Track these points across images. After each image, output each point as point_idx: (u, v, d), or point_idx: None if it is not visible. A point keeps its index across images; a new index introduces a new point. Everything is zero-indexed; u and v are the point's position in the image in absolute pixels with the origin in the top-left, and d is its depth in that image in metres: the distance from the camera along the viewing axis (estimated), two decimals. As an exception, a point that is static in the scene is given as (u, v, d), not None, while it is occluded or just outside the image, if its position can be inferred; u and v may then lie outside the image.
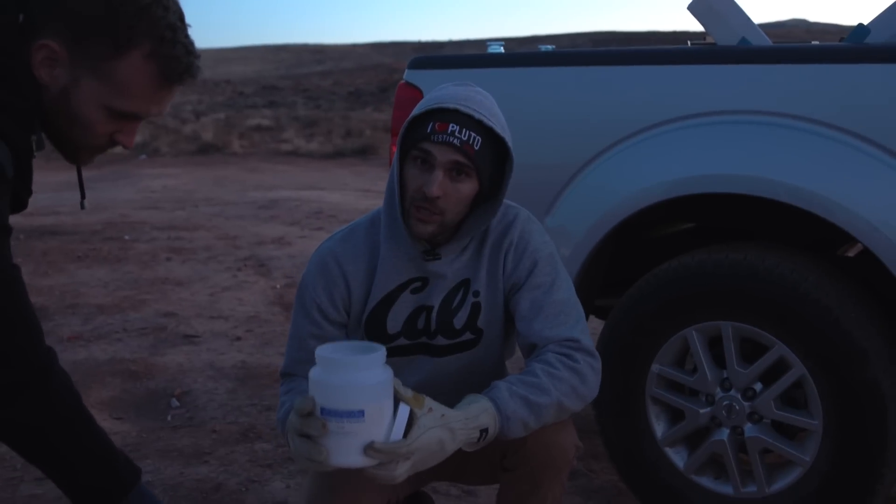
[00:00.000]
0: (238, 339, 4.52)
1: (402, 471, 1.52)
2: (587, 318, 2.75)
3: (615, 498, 2.72)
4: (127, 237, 7.50)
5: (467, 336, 1.88)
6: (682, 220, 2.95)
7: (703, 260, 2.36)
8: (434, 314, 1.86)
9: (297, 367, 1.87)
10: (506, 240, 1.86)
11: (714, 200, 2.42)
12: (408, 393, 1.57)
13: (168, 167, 14.94)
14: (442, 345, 1.88)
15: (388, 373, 1.51)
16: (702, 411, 2.39)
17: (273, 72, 63.68)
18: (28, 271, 6.08)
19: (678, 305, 2.38)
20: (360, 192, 11.16)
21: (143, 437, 3.26)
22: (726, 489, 2.40)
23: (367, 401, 1.47)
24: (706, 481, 2.43)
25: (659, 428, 2.49)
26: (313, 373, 1.49)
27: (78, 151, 1.37)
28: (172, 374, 3.97)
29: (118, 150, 8.41)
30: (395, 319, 1.87)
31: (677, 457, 2.47)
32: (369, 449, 1.48)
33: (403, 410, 1.52)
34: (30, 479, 2.89)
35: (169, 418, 3.48)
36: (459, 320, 1.86)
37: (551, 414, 1.71)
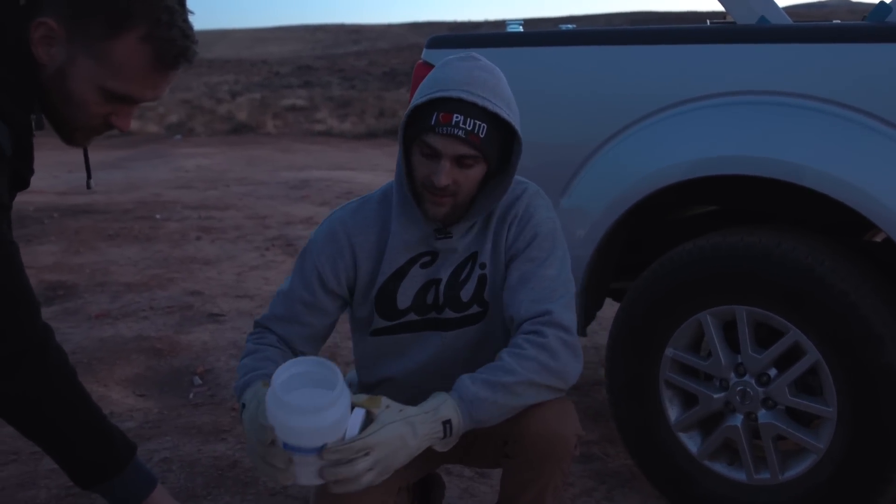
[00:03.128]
0: (262, 318, 4.54)
1: (363, 467, 1.51)
2: (602, 302, 2.76)
3: (629, 482, 2.70)
4: (158, 216, 7.57)
5: (475, 309, 1.88)
6: (702, 203, 2.91)
7: (717, 243, 2.33)
8: (442, 287, 1.86)
9: (275, 325, 1.88)
10: (511, 212, 1.86)
11: (736, 183, 2.38)
12: (362, 398, 1.58)
13: (202, 147, 15.04)
14: (450, 318, 1.88)
15: (344, 398, 1.50)
16: (715, 396, 2.37)
17: (309, 52, 63.75)
18: (60, 249, 6.17)
19: (692, 289, 2.36)
20: (391, 173, 11.02)
21: (164, 413, 3.30)
22: (739, 475, 2.38)
23: (328, 437, 1.49)
24: (719, 467, 2.41)
25: (672, 412, 2.47)
26: (271, 406, 1.48)
27: (73, 132, 1.38)
28: (196, 353, 4.01)
29: (154, 130, 8.56)
30: (406, 294, 1.87)
31: (691, 442, 2.45)
32: (325, 452, 1.49)
33: (358, 412, 1.54)
34: (52, 453, 2.93)
35: (191, 396, 3.52)
36: (467, 293, 1.86)
37: (525, 392, 1.70)
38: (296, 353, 1.88)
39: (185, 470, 2.77)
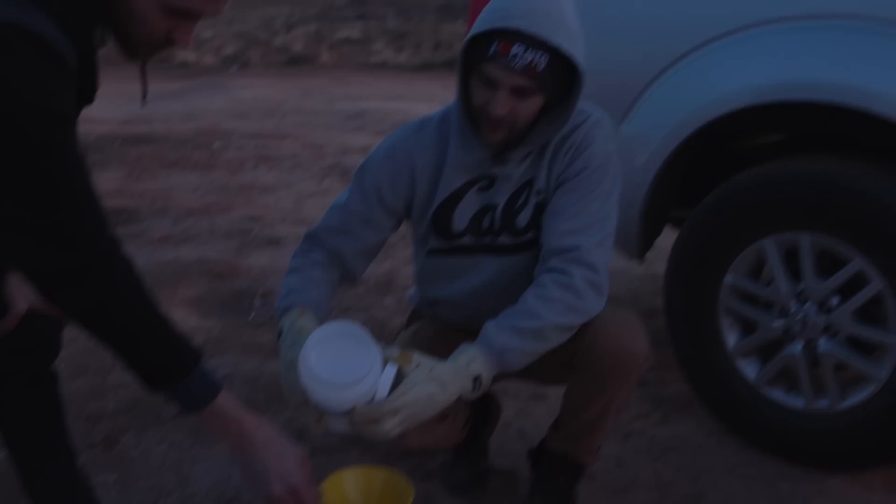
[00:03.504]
0: (319, 243, 4.59)
1: (391, 426, 1.53)
2: (661, 229, 2.74)
3: (684, 407, 2.72)
4: (216, 145, 7.63)
5: (530, 235, 1.87)
6: (766, 131, 2.85)
7: (782, 169, 2.29)
8: (498, 213, 1.86)
9: (328, 236, 1.87)
10: (568, 141, 1.83)
11: (802, 110, 2.33)
12: (395, 352, 1.58)
13: (258, 78, 15.04)
14: (506, 244, 1.88)
15: (375, 367, 1.52)
16: (775, 324, 2.36)
17: (364, -16, 63.00)
18: (122, 176, 6.27)
19: (755, 215, 2.33)
20: (446, 105, 11.06)
21: (226, 333, 3.38)
22: (797, 402, 2.37)
23: (358, 401, 1.51)
24: (777, 394, 2.41)
25: (731, 339, 2.46)
26: (304, 375, 1.50)
27: (136, 48, 1.38)
28: (256, 276, 4.08)
29: (210, 62, 8.52)
30: (462, 217, 1.88)
31: (748, 368, 2.45)
32: (354, 414, 1.51)
33: (389, 370, 1.54)
34: (118, 368, 3.01)
35: (251, 317, 3.59)
36: (523, 219, 1.85)
37: (551, 336, 1.71)
38: (345, 268, 1.89)
39: (246, 385, 2.85)
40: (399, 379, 1.55)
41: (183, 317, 3.55)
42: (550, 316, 1.69)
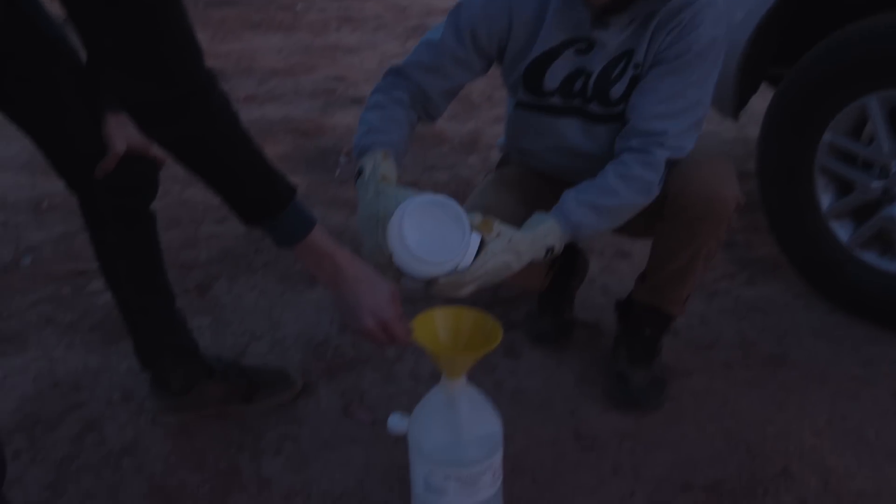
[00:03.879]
0: (404, 104, 4.58)
1: (467, 291, 1.57)
2: (758, 86, 2.64)
3: (772, 270, 2.67)
4: (299, 7, 7.58)
5: (622, 108, 1.81)
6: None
7: (889, 22, 2.16)
8: (592, 80, 1.80)
9: (417, 72, 1.82)
10: (676, 18, 1.72)
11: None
12: (477, 220, 1.58)
13: (341, -61, 14.76)
14: (595, 112, 1.83)
15: (466, 240, 1.52)
16: (874, 184, 2.27)
17: None
18: (207, 37, 6.29)
19: (859, 71, 2.21)
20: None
21: (312, 188, 3.42)
22: (891, 266, 2.31)
23: (444, 272, 1.54)
24: (870, 256, 2.35)
25: (825, 200, 2.39)
26: (395, 244, 1.50)
27: None
28: (341, 134, 4.10)
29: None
30: (554, 76, 1.82)
31: (842, 230, 2.39)
32: (436, 283, 1.54)
33: (475, 240, 1.55)
34: (210, 219, 3.11)
35: (337, 173, 3.62)
36: (616, 91, 1.79)
37: (624, 214, 1.73)
38: (427, 108, 1.85)
39: (333, 238, 2.87)
40: (480, 247, 1.57)
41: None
42: (629, 195, 1.70)
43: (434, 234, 1.53)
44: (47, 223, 3.14)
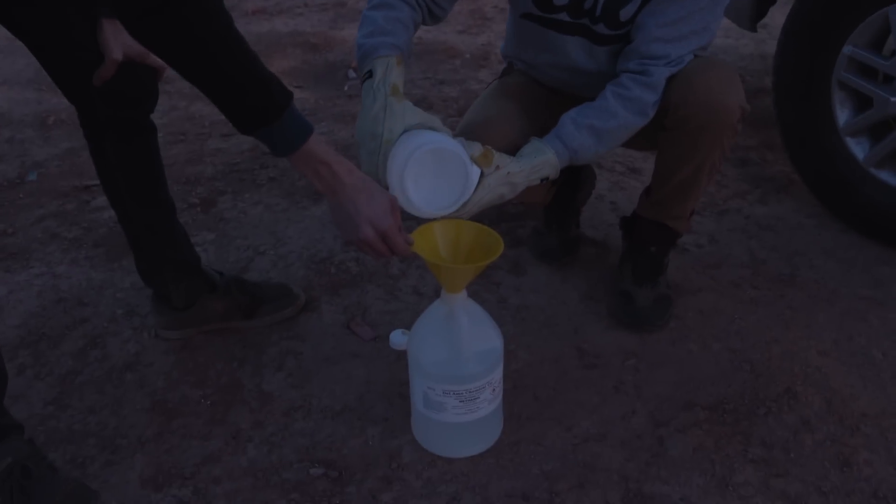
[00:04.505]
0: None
1: (464, 218, 1.60)
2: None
3: (785, 188, 2.62)
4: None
5: (629, 30, 1.74)
6: None
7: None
8: (602, 0, 1.73)
9: None
10: None
11: None
12: (477, 151, 1.59)
13: None
14: (602, 34, 1.76)
15: (469, 183, 1.56)
16: (893, 99, 2.20)
17: None
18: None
19: (883, -21, 2.13)
20: None
21: (320, 103, 3.38)
22: (908, 185, 2.25)
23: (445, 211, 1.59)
24: (886, 175, 2.28)
25: (842, 116, 2.33)
26: (395, 185, 1.52)
27: None
28: (350, 48, 4.01)
29: None
30: None
31: (858, 147, 2.32)
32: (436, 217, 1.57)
33: (474, 176, 1.57)
34: (216, 134, 3.07)
35: (346, 88, 3.57)
36: (626, 12, 1.71)
37: (621, 135, 1.72)
38: (432, 8, 1.75)
39: (340, 151, 2.82)
40: (478, 182, 1.59)
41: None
42: (627, 116, 1.69)
43: (437, 182, 1.53)
44: (53, 139, 3.11)
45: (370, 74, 1.59)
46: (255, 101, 1.30)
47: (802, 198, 2.54)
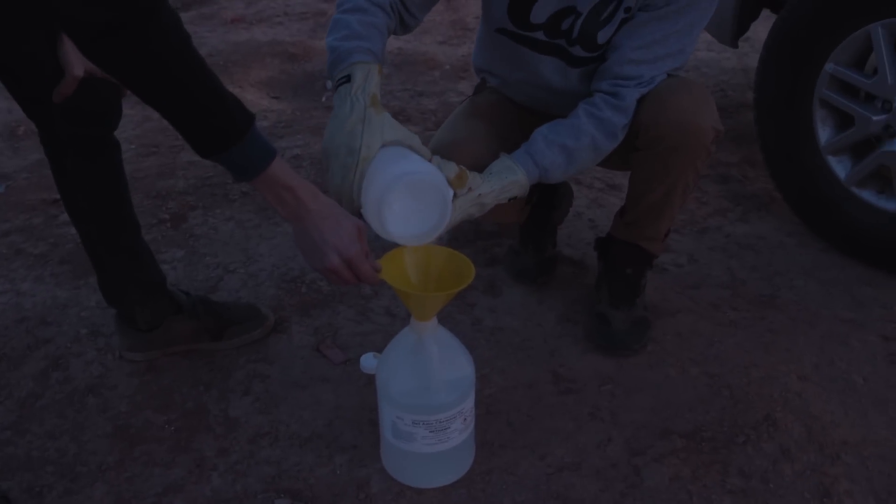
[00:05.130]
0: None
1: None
2: (759, 12, 2.53)
3: (766, 205, 2.60)
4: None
5: (604, 51, 1.72)
6: None
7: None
8: (580, 21, 1.69)
9: None
10: None
11: None
12: (452, 172, 1.56)
13: None
14: (578, 56, 1.74)
15: (445, 216, 1.50)
16: (875, 118, 2.17)
17: None
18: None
19: (865, -3, 2.11)
20: None
21: (297, 114, 3.34)
22: (889, 205, 2.22)
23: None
24: (867, 195, 2.26)
25: (823, 134, 2.30)
26: (372, 221, 1.47)
27: None
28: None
29: None
30: (542, 9, 1.71)
31: (839, 166, 2.30)
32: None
33: (451, 206, 1.51)
34: (187, 147, 3.00)
35: (323, 99, 3.54)
36: (604, 35, 1.69)
37: (590, 156, 1.70)
38: (403, 17, 1.69)
39: (315, 166, 2.82)
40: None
41: (255, 98, 3.50)
42: (598, 137, 1.67)
43: (414, 210, 1.48)
44: (23, 150, 3.06)
45: (347, 80, 1.52)
46: (218, 122, 1.26)
47: (784, 215, 2.51)
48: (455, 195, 1.55)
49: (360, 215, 1.49)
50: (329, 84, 3.64)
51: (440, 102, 3.45)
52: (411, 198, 1.46)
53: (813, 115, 2.29)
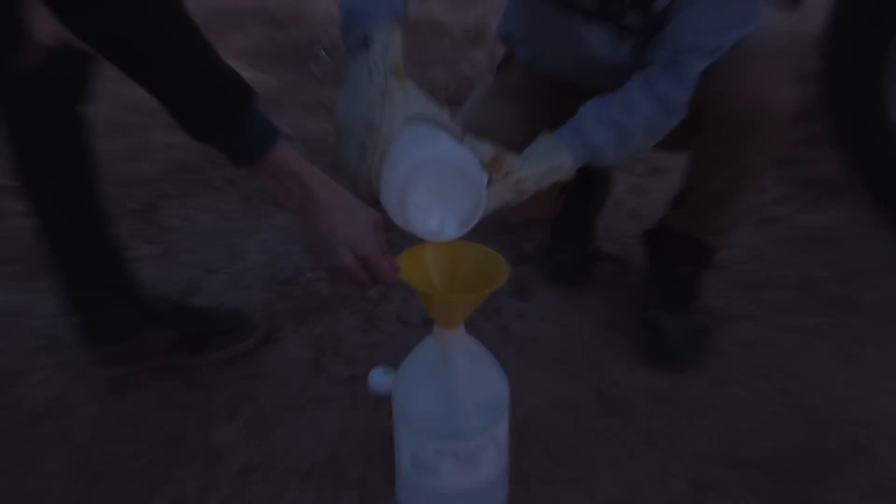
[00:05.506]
0: None
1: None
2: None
3: (837, 194, 2.56)
4: None
5: (661, 22, 1.66)
6: None
7: None
8: None
9: None
10: None
11: None
12: (487, 155, 1.51)
13: None
14: (632, 25, 1.69)
15: (479, 204, 1.44)
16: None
17: None
18: None
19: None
20: None
21: (285, 89, 3.36)
22: None
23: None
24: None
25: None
26: (394, 211, 1.41)
27: None
28: (320, 22, 4.00)
29: None
30: None
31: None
32: None
33: (485, 195, 1.46)
34: (162, 125, 2.97)
35: (316, 71, 3.56)
36: (661, 2, 1.63)
37: (644, 138, 1.68)
38: None
39: (308, 145, 2.82)
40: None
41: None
42: (655, 114, 1.64)
43: (442, 200, 1.42)
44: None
45: (364, 43, 1.45)
46: (210, 101, 1.22)
47: (859, 204, 2.46)
48: (490, 180, 1.49)
49: (377, 203, 1.43)
50: (324, 55, 3.66)
51: (452, 74, 3.44)
52: (439, 185, 1.40)
53: (885, 89, 2.26)
